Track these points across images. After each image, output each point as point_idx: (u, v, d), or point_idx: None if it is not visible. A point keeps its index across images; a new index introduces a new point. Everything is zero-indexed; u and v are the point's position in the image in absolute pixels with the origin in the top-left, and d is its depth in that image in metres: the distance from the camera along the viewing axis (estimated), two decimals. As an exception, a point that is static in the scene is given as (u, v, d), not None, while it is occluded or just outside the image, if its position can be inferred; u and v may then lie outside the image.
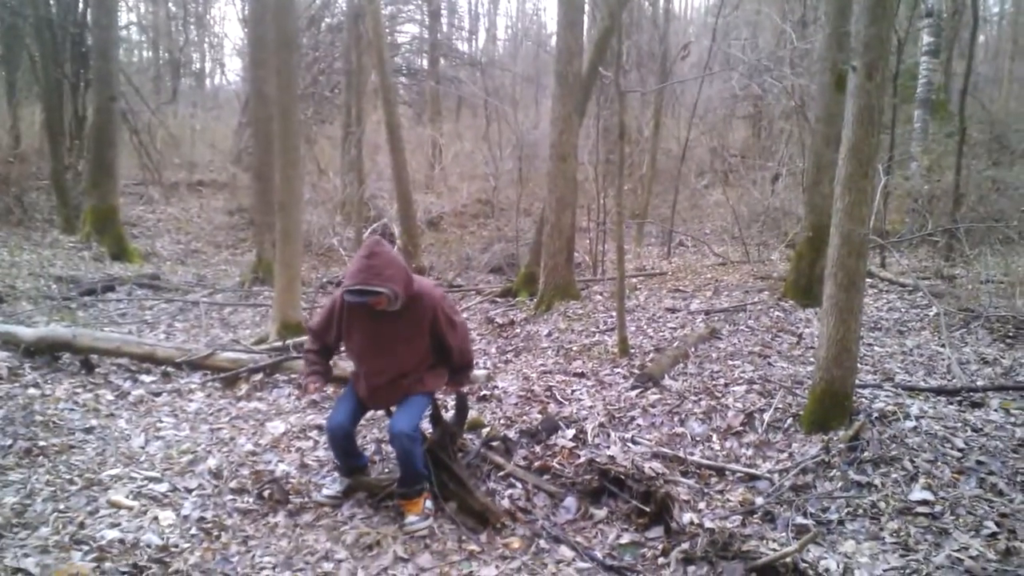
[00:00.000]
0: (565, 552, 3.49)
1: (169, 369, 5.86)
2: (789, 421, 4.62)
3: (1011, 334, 6.61)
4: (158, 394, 5.44)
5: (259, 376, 5.79)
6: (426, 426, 4.07)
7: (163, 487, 3.79)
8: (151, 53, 26.85)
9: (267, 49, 7.07)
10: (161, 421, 4.86)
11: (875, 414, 4.42)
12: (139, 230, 14.19)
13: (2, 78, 18.25)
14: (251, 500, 3.81)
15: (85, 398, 5.15)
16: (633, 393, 5.34)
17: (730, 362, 5.90)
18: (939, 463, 3.84)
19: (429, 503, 3.80)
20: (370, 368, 3.85)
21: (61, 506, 3.49)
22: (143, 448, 4.36)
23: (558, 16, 8.81)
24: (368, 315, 3.75)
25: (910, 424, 4.30)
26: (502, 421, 4.90)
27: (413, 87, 24.23)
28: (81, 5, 14.69)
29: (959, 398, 4.86)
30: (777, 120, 15.77)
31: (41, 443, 4.19)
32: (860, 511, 3.53)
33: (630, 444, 4.48)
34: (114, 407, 5.10)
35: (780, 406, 4.81)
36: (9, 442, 4.12)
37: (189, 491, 3.84)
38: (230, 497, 3.81)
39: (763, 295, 8.47)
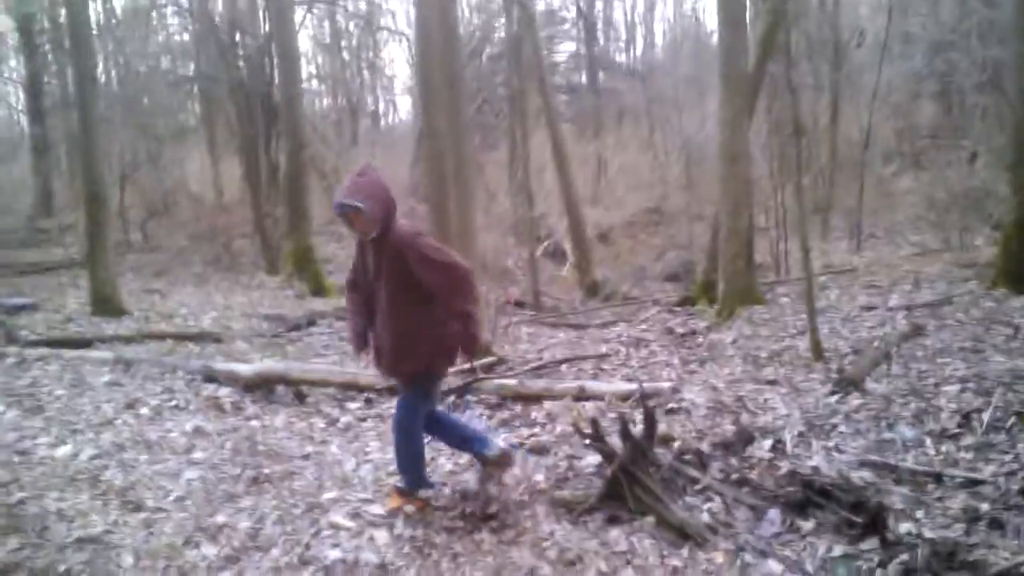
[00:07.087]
0: (773, 566, 3.36)
1: (371, 395, 6.25)
2: (1012, 420, 4.22)
3: None
4: (363, 419, 5.82)
5: (451, 397, 6.05)
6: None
7: (376, 508, 4.04)
8: (331, 100, 28.92)
9: (435, 87, 7.45)
10: (368, 446, 5.19)
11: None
12: (334, 266, 15.23)
13: (203, 138, 20.51)
14: (456, 518, 3.97)
15: (300, 427, 5.60)
16: (833, 399, 5.08)
17: (939, 360, 5.48)
18: None
19: (410, 507, 3.91)
20: (375, 320, 3.83)
21: (288, 528, 3.80)
22: (355, 471, 4.67)
23: (719, 16, 8.63)
24: (365, 250, 3.76)
25: None
26: (693, 434, 4.81)
27: (574, 104, 24.47)
28: (268, 66, 16.13)
29: None
30: (969, 95, 14.45)
31: (266, 471, 4.58)
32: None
33: (834, 453, 4.26)
34: (326, 434, 5.51)
35: (1000, 404, 4.41)
36: (238, 471, 4.55)
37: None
38: (437, 515, 3.99)
39: (970, 285, 7.79)
